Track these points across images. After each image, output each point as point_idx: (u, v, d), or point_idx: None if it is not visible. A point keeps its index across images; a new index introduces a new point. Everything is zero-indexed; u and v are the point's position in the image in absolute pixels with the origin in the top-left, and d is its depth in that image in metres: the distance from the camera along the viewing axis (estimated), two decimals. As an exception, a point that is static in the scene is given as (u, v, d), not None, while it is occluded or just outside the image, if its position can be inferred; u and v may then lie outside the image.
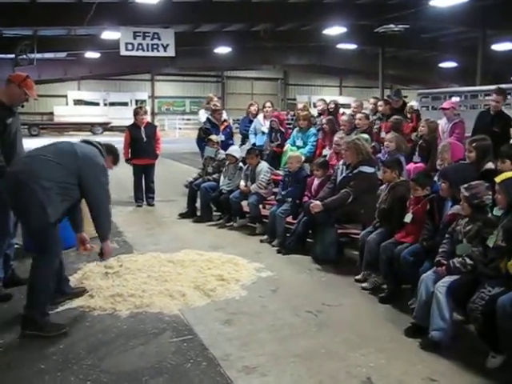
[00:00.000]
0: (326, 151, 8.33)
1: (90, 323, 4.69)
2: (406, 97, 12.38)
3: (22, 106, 5.50)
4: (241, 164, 8.59)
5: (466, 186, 4.38)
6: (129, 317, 4.83)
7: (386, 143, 7.16)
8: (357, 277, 5.85)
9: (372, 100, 10.10)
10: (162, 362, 3.98)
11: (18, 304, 4.81)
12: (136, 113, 10.20)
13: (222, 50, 27.78)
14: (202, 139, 10.10)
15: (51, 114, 36.82)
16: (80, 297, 5.20)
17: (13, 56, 23.41)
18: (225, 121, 10.47)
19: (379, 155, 7.31)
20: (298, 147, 8.74)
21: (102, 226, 4.80)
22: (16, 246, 5.55)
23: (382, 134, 8.13)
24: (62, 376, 3.78)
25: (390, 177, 5.72)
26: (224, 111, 11.02)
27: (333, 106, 9.87)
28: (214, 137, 9.35)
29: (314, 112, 10.93)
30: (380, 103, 9.39)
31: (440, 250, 4.52)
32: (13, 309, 4.75)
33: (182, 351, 4.17)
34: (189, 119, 38.23)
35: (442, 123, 8.17)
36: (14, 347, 4.22)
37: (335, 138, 7.69)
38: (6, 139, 5.10)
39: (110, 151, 5.12)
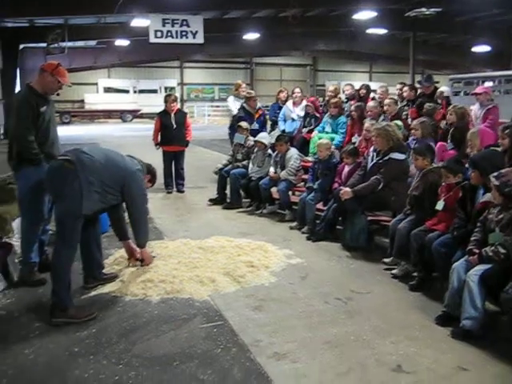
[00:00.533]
0: (355, 138, 8.27)
1: (122, 308, 4.77)
2: (437, 82, 12.19)
3: (58, 94, 5.64)
4: (270, 151, 8.58)
5: (495, 174, 4.29)
6: (159, 302, 4.89)
7: (412, 131, 7.05)
8: (386, 260, 5.83)
9: (398, 86, 9.87)
10: (192, 348, 4.03)
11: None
12: (166, 100, 10.27)
13: (251, 36, 27.65)
14: (235, 127, 9.96)
15: (82, 101, 37.29)
16: (111, 282, 5.29)
17: (44, 45, 23.71)
18: (259, 109, 10.30)
19: (408, 142, 7.21)
20: (327, 133, 8.69)
21: (141, 233, 5.16)
22: (50, 231, 5.66)
23: (409, 121, 8.03)
24: (95, 359, 3.85)
25: (421, 164, 5.65)
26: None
27: (364, 91, 9.71)
28: (243, 123, 9.34)
29: (343, 97, 10.79)
30: (405, 89, 9.19)
31: (472, 238, 4.46)
32: (47, 293, 4.84)
33: (212, 337, 4.21)
34: (218, 106, 38.28)
35: (475, 109, 8.02)
36: (49, 331, 4.31)
37: (366, 125, 7.62)
38: (40, 126, 5.19)
39: (149, 171, 5.46)
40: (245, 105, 10.16)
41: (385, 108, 8.18)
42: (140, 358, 3.88)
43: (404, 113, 8.45)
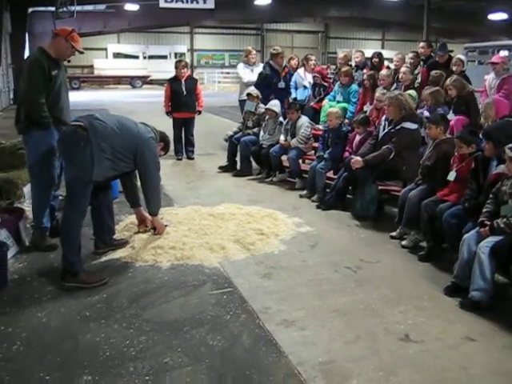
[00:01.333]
0: (367, 107, 8.16)
1: (132, 274, 4.81)
2: (451, 51, 11.96)
3: (69, 61, 5.60)
4: (281, 118, 8.52)
5: (510, 145, 4.24)
6: (170, 268, 4.92)
7: (424, 102, 6.91)
8: (392, 233, 5.83)
9: (410, 54, 9.46)
10: (202, 314, 4.06)
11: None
12: (176, 66, 10.21)
13: (262, 1, 27.27)
14: (262, 85, 9.57)
15: (91, 67, 37.11)
16: (122, 248, 5.32)
17: (53, 8, 23.47)
18: (285, 67, 9.92)
19: (420, 110, 7.08)
20: (338, 102, 8.61)
21: (153, 201, 5.21)
22: (60, 197, 5.68)
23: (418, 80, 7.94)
24: (106, 323, 3.90)
25: (435, 133, 5.57)
26: (261, 63, 10.86)
27: (376, 59, 9.51)
28: (253, 91, 9.25)
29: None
30: (422, 44, 8.88)
31: (484, 210, 4.42)
32: (59, 258, 4.89)
33: (221, 303, 4.24)
34: (228, 73, 38.00)
35: (490, 78, 7.88)
36: (61, 295, 4.35)
37: (377, 94, 7.51)
38: (51, 90, 5.18)
39: (162, 139, 5.43)
40: (271, 62, 9.79)
41: (400, 76, 7.99)
42: (150, 322, 3.92)
43: (417, 81, 8.25)
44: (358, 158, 6.31)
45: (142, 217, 5.57)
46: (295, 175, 8.10)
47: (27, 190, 5.92)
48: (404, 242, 5.57)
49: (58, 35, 5.21)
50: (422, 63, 8.51)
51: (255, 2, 27.59)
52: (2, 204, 5.98)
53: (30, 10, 24.44)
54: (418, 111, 6.95)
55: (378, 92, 7.52)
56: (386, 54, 12.29)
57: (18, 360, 3.42)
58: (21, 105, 5.25)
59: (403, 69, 8.01)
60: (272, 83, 9.56)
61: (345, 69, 8.77)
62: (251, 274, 4.83)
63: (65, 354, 3.48)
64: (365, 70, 9.07)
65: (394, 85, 7.97)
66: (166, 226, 5.72)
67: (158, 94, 9.09)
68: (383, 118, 6.60)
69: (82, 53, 5.44)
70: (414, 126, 6.24)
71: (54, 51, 5.21)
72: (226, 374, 3.30)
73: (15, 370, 3.32)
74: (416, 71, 8.37)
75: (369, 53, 10.13)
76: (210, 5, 19.97)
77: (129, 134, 4.83)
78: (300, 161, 8.29)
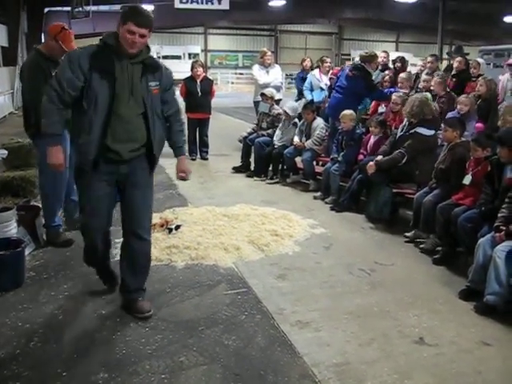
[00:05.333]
0: (382, 108, 8.14)
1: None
2: (467, 54, 11.93)
3: None
4: (296, 120, 8.52)
5: None
6: (184, 268, 4.95)
7: (459, 106, 6.62)
8: (407, 234, 5.82)
9: (429, 58, 9.37)
10: (217, 313, 4.08)
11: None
12: (193, 66, 10.25)
13: (277, 2, 27.27)
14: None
15: (106, 66, 37.23)
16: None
17: (69, 8, 23.62)
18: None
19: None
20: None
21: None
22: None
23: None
24: (122, 322, 3.93)
25: (450, 136, 5.54)
26: (277, 65, 10.90)
27: (399, 64, 9.38)
28: (267, 91, 9.27)
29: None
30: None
31: (499, 215, 4.40)
32: (74, 255, 4.94)
33: (236, 303, 4.26)
34: (241, 73, 38.00)
35: (504, 80, 7.84)
36: (77, 293, 4.39)
37: (393, 97, 7.48)
38: None
39: None
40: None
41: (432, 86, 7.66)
42: (166, 321, 3.95)
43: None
44: (372, 164, 6.31)
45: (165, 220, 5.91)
46: (309, 177, 8.10)
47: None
48: (423, 246, 5.55)
49: (48, 34, 5.06)
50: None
51: (269, 4, 27.60)
52: (18, 202, 6.05)
53: (46, 9, 24.57)
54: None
55: (394, 95, 7.50)
56: (400, 55, 12.16)
57: (35, 356, 3.47)
58: (27, 110, 5.13)
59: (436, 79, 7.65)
60: None
61: None
62: (266, 274, 4.85)
63: (81, 350, 3.52)
64: (386, 72, 9.05)
65: (413, 91, 7.93)
66: (179, 226, 5.76)
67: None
68: (405, 119, 6.54)
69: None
70: (429, 132, 6.18)
71: (46, 51, 5.08)
72: (241, 373, 3.32)
73: (33, 365, 3.35)
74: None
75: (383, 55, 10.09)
76: (225, 6, 20.04)
77: None
78: (314, 163, 8.28)
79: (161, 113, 3.86)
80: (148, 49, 3.83)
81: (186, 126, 4.05)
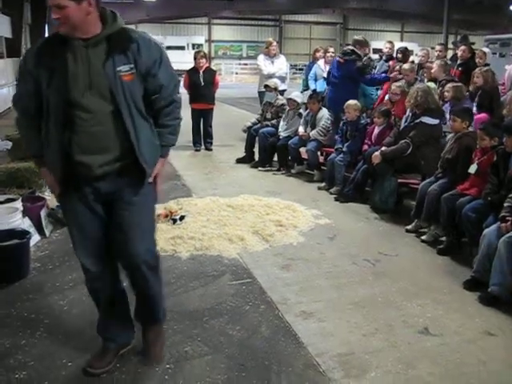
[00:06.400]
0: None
1: (152, 263, 4.84)
2: (473, 43, 11.84)
3: None
4: (301, 110, 8.50)
5: None
6: (189, 259, 4.96)
7: (445, 93, 6.71)
8: (408, 227, 5.82)
9: (438, 47, 9.33)
10: (221, 304, 4.09)
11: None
12: (195, 56, 10.23)
13: (281, -8, 27.18)
14: None
15: (109, 57, 37.19)
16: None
17: (73, -1, 23.55)
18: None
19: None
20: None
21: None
22: None
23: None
24: (127, 312, 3.95)
25: (459, 126, 5.49)
26: (282, 55, 10.85)
27: (400, 55, 9.30)
28: (271, 82, 9.25)
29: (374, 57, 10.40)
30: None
31: (505, 205, 4.37)
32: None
33: (240, 294, 4.27)
34: (245, 64, 37.94)
35: (510, 69, 7.76)
36: (82, 283, 4.32)
37: (392, 87, 7.43)
38: None
39: None
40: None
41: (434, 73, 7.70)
42: (170, 312, 3.94)
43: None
44: (377, 154, 6.29)
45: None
46: (313, 167, 8.09)
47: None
48: (424, 237, 5.54)
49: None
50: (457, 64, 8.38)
51: (274, -7, 27.53)
52: (23, 193, 6.06)
53: (50, 0, 24.55)
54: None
55: (394, 85, 7.45)
56: (403, 45, 12.06)
57: (41, 346, 3.48)
58: None
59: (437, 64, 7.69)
60: None
61: None
62: (270, 265, 4.86)
63: (86, 340, 3.52)
64: (391, 63, 9.00)
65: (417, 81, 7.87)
66: (183, 216, 5.76)
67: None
68: (408, 109, 6.53)
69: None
70: (433, 122, 6.16)
71: None
72: (245, 363, 3.33)
73: (38, 355, 3.37)
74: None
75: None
76: (229, -5, 19.96)
77: None
78: (318, 153, 8.27)
79: (147, 107, 2.93)
80: (114, 18, 2.87)
81: (180, 122, 3.24)
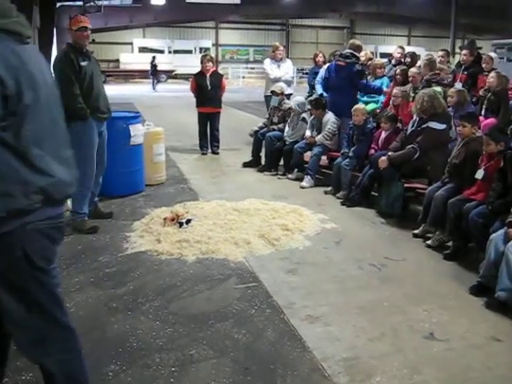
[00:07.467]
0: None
1: (158, 267, 4.86)
2: (480, 48, 11.83)
3: (92, 52, 5.78)
4: (304, 115, 8.48)
5: None
6: (195, 262, 4.97)
7: (448, 98, 6.68)
8: (415, 231, 5.80)
9: (440, 52, 9.27)
10: (227, 307, 4.10)
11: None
12: (202, 60, 10.25)
13: (288, -4, 27.23)
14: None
15: (117, 61, 37.36)
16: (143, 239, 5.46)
17: (81, 3, 23.72)
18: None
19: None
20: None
21: None
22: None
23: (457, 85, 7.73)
24: (133, 315, 3.96)
25: (468, 132, 5.45)
26: (288, 59, 10.86)
27: (409, 59, 9.29)
28: (277, 87, 9.25)
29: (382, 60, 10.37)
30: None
31: (512, 210, 4.38)
32: (86, 250, 4.97)
33: (246, 297, 4.27)
34: (252, 68, 37.99)
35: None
36: (88, 286, 4.43)
37: (394, 91, 7.42)
38: (83, 81, 5.43)
39: None
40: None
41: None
42: (176, 315, 3.97)
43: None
44: (384, 158, 6.28)
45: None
46: (309, 172, 7.90)
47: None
48: (429, 242, 5.53)
49: (67, 28, 5.59)
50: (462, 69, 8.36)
51: (281, -2, 27.58)
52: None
53: (59, 4, 24.64)
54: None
55: (396, 89, 7.45)
56: (412, 50, 12.04)
57: (47, 348, 3.49)
58: None
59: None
60: None
61: (376, 62, 8.86)
62: (276, 269, 4.86)
63: (92, 343, 3.53)
64: (397, 67, 8.98)
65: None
66: (190, 220, 5.78)
67: (184, 89, 9.12)
68: (415, 115, 6.51)
69: (92, 41, 5.68)
70: (440, 126, 6.14)
71: (73, 43, 5.53)
72: (250, 367, 3.33)
73: (45, 358, 3.38)
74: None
75: (393, 49, 10.01)
76: (236, 0, 20.01)
77: None
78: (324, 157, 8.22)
79: None
80: None
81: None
